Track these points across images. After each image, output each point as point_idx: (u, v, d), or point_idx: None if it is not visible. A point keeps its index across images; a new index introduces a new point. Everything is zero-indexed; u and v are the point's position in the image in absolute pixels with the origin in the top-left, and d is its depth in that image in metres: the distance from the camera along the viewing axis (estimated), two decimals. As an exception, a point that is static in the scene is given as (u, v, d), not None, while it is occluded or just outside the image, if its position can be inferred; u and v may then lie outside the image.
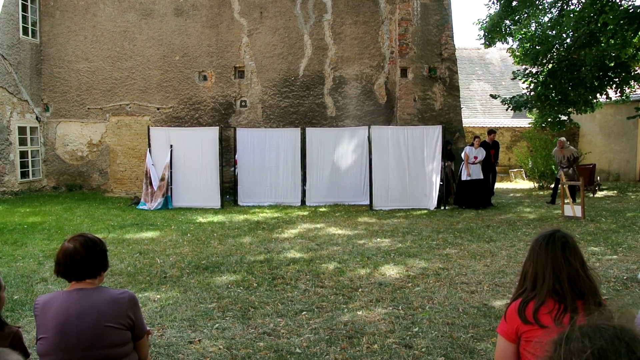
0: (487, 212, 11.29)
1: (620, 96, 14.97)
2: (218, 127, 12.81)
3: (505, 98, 15.80)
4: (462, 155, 12.09)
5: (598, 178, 15.15)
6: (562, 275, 2.16)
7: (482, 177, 11.89)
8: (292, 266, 6.70)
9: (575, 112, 14.93)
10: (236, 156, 12.96)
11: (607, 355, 0.97)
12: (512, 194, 14.86)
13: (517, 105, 15.17)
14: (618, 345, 0.98)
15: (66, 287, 2.56)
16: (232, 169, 13.26)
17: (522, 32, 15.13)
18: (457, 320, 4.69)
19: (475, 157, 11.91)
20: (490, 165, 12.55)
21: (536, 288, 2.20)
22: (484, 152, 11.99)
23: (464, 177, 11.88)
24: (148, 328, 2.71)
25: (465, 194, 11.95)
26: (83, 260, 2.45)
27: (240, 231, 9.24)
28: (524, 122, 19.62)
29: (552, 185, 13.57)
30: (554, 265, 2.18)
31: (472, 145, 12.09)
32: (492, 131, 13.19)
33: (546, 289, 2.17)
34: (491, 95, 17.21)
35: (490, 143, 12.80)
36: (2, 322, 2.48)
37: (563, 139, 12.84)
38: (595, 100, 14.73)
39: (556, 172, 13.06)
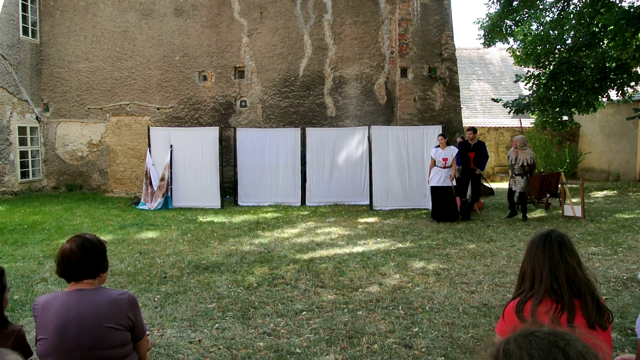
0: (487, 212, 11.29)
1: (622, 96, 14.91)
2: (218, 127, 12.83)
3: (507, 101, 15.79)
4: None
5: (561, 186, 11.08)
6: (560, 274, 2.17)
7: (450, 184, 10.09)
8: (292, 266, 6.70)
9: (577, 112, 14.92)
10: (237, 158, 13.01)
11: None
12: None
13: (519, 108, 15.15)
14: (555, 353, 0.99)
15: (66, 287, 2.57)
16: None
17: (523, 33, 15.12)
18: (457, 320, 4.69)
19: (445, 160, 10.14)
20: (468, 171, 10.42)
21: (534, 288, 2.21)
22: (454, 151, 10.19)
23: (432, 183, 10.28)
24: (148, 336, 2.71)
25: (435, 203, 10.29)
26: (79, 261, 2.45)
27: (240, 231, 9.24)
28: (525, 122, 19.61)
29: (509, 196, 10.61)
30: (551, 265, 2.19)
31: (437, 146, 10.37)
32: (471, 129, 10.71)
33: (544, 288, 2.18)
34: (493, 99, 17.20)
35: (472, 144, 10.50)
36: (5, 321, 2.49)
37: (520, 137, 10.47)
38: (596, 102, 14.71)
39: (510, 175, 10.64)
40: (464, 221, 10.07)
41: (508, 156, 10.61)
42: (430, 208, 11.27)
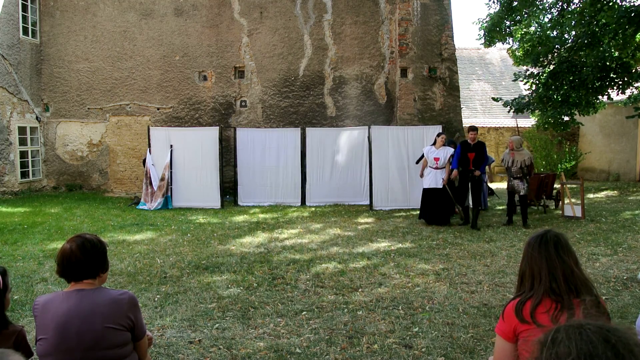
0: (487, 212, 11.28)
1: (628, 99, 14.85)
2: (218, 127, 12.83)
3: (507, 100, 15.77)
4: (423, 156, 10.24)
5: (560, 186, 10.88)
6: (558, 273, 2.18)
7: (441, 186, 9.65)
8: (292, 266, 6.70)
9: (578, 113, 14.90)
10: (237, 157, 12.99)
11: (593, 359, 0.97)
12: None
13: (519, 107, 15.13)
14: (604, 348, 0.97)
15: (66, 287, 2.57)
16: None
17: (522, 32, 15.10)
18: (457, 320, 4.69)
19: (437, 159, 9.66)
20: (468, 174, 9.57)
21: (533, 288, 2.22)
22: (449, 152, 9.69)
23: (425, 185, 9.84)
24: (149, 334, 2.71)
25: (425, 205, 9.81)
26: (79, 261, 2.44)
27: (240, 231, 9.24)
28: (526, 122, 19.61)
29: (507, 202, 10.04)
30: (549, 265, 2.20)
31: (433, 144, 9.95)
32: (472, 128, 9.80)
33: (543, 288, 2.19)
34: (493, 99, 17.20)
35: (472, 144, 9.62)
36: (6, 321, 2.49)
37: (516, 138, 9.86)
38: (597, 101, 14.68)
39: (508, 178, 9.96)
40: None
41: (502, 159, 10.01)
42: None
